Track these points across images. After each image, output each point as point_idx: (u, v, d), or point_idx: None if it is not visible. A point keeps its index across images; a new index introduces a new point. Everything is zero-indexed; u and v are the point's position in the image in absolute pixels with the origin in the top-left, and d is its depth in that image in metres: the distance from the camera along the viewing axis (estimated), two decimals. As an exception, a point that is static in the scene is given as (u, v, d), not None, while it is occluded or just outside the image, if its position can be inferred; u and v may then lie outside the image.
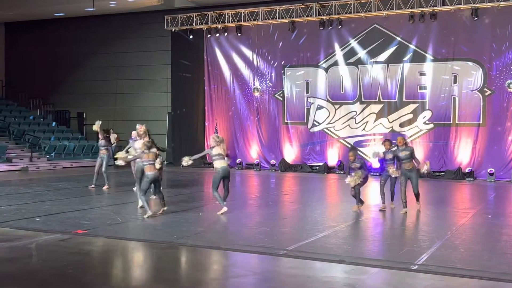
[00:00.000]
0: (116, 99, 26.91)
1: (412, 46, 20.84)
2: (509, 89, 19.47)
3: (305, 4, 21.98)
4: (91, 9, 23.19)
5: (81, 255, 8.09)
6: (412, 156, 11.85)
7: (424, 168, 12.03)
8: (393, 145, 12.25)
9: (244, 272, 7.36)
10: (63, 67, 28.23)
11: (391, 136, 20.93)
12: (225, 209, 11.49)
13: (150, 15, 25.54)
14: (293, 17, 22.28)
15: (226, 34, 23.72)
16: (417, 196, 12.34)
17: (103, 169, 15.84)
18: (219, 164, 11.52)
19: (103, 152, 15.92)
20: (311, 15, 21.95)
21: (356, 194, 12.10)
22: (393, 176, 12.10)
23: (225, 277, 7.21)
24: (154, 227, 10.10)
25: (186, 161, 11.64)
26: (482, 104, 19.91)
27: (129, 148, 13.57)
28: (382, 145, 12.51)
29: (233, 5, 23.42)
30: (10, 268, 7.26)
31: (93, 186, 15.82)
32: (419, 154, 20.50)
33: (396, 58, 21.10)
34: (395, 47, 21.09)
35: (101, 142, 15.99)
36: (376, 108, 21.52)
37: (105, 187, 15.63)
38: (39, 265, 7.48)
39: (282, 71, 23.10)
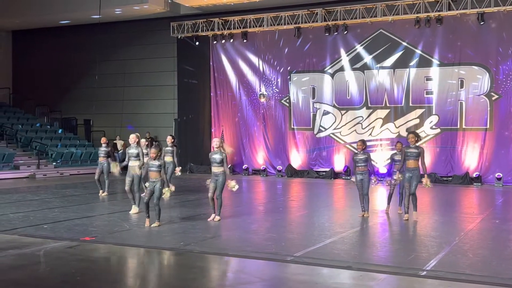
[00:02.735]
0: (123, 106, 27.00)
1: (418, 51, 20.82)
2: (516, 93, 19.42)
3: (310, 10, 22.02)
4: (97, 16, 23.31)
5: (89, 262, 8.10)
6: (419, 156, 11.53)
7: (424, 183, 11.47)
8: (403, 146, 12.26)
9: (252, 278, 7.35)
10: (70, 74, 28.37)
11: (398, 141, 20.94)
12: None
13: (156, 22, 25.64)
14: (298, 23, 22.30)
15: (232, 40, 23.78)
16: (414, 199, 11.60)
17: (105, 176, 15.95)
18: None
19: (102, 159, 16.01)
20: (316, 21, 21.98)
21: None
22: (395, 182, 12.22)
23: (233, 283, 7.20)
24: (161, 234, 10.10)
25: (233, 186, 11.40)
26: (489, 108, 19.85)
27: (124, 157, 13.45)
28: (395, 146, 12.91)
29: (239, 11, 23.49)
30: (18, 275, 7.27)
31: (102, 192, 15.93)
32: (426, 159, 20.46)
33: (402, 63, 21.08)
34: (401, 52, 21.08)
35: (102, 149, 16.13)
36: (382, 113, 21.49)
37: (104, 194, 15.77)
38: (47, 272, 7.50)
39: (288, 77, 23.12)
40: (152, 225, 10.67)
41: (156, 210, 10.75)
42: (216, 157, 11.17)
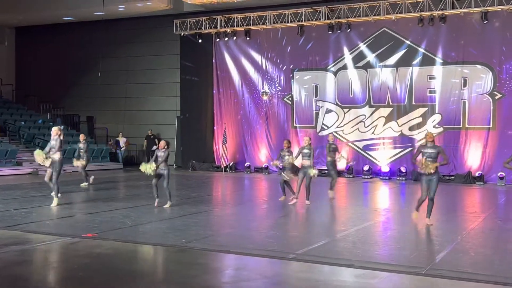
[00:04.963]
0: (126, 103, 27.02)
1: (421, 50, 20.78)
2: (519, 93, 19.36)
3: (313, 8, 21.99)
4: (100, 13, 23.32)
5: (91, 258, 8.11)
6: (438, 156, 10.62)
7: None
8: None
9: (253, 276, 7.35)
10: (73, 71, 28.39)
11: (400, 139, 20.96)
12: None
13: (159, 20, 25.66)
14: (301, 21, 22.28)
15: (234, 38, 23.76)
16: (431, 204, 10.97)
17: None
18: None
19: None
20: (319, 19, 21.95)
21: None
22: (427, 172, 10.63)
23: (234, 280, 7.20)
24: (164, 231, 10.11)
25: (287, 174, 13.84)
26: (492, 107, 19.80)
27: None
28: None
29: (242, 9, 23.48)
30: (21, 271, 7.29)
31: (87, 183, 17.25)
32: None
33: (405, 62, 21.05)
34: (404, 51, 21.04)
35: (83, 146, 17.71)
36: (385, 111, 21.46)
37: (84, 184, 17.11)
38: (49, 269, 7.51)
39: (291, 75, 23.10)
40: (164, 206, 12.56)
41: (167, 192, 12.69)
42: (306, 151, 13.48)
